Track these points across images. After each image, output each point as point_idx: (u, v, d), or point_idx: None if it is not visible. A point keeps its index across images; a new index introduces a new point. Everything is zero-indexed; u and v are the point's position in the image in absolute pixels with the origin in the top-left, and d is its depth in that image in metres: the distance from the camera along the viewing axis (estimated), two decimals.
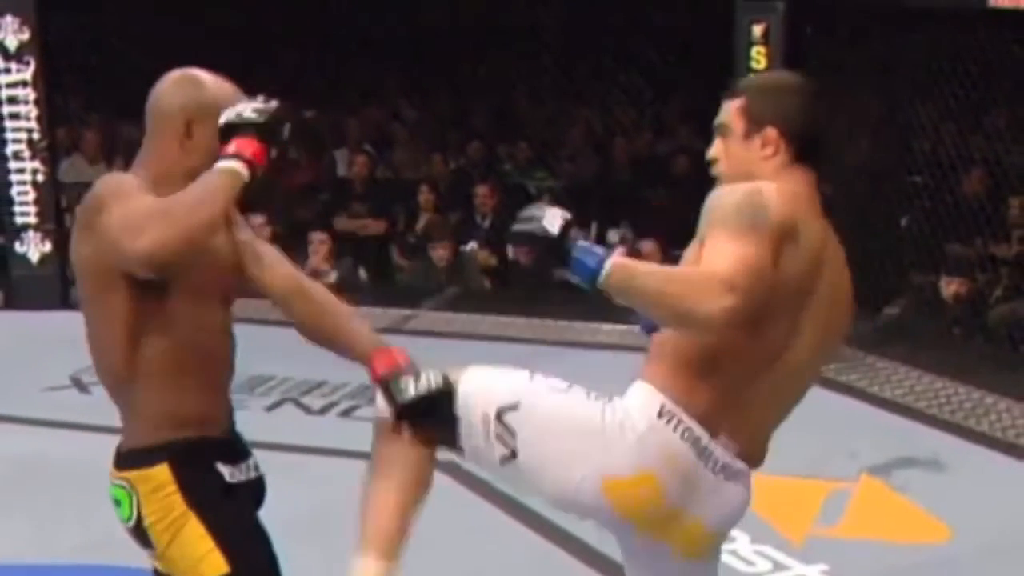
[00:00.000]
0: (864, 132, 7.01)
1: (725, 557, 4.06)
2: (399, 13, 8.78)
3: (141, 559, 2.92)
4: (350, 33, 9.46)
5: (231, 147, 2.33)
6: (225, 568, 2.44)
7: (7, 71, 6.53)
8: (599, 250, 2.12)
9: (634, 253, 7.26)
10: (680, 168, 8.88)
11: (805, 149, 2.28)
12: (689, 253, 2.26)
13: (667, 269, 2.15)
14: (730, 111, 2.31)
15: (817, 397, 6.09)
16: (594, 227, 8.50)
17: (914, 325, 6.15)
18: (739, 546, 4.13)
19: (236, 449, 2.57)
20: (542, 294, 7.07)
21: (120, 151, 8.69)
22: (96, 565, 3.94)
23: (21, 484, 4.61)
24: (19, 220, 7.00)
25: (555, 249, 2.13)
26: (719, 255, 2.08)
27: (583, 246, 2.13)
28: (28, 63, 6.58)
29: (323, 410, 5.42)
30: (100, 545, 3.85)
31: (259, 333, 6.36)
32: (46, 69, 6.64)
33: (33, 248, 7.01)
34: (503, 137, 9.81)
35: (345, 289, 7.29)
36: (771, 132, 2.27)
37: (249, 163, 2.32)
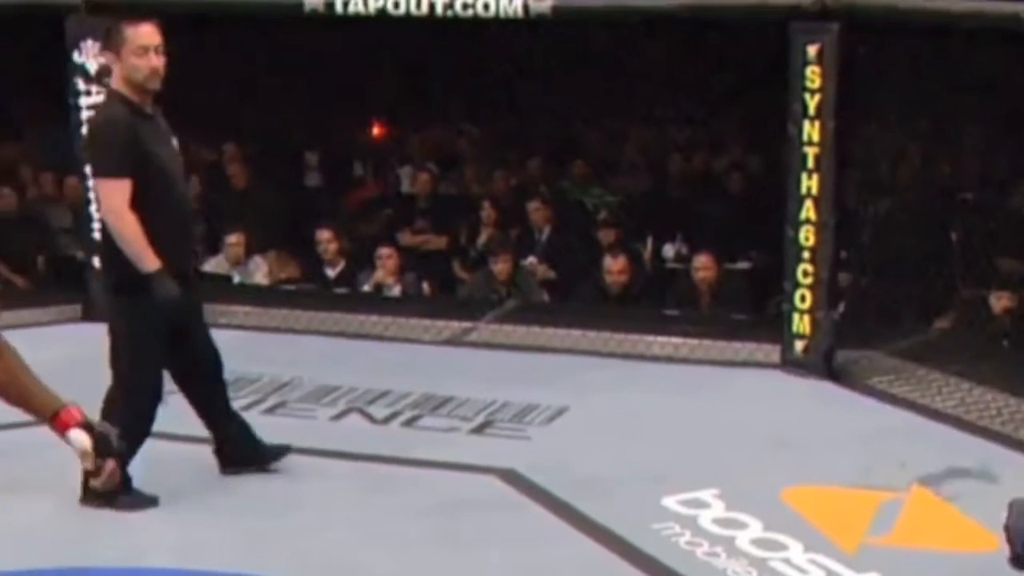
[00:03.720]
0: (916, 149, 7.09)
1: (778, 565, 4.07)
2: (463, 38, 8.96)
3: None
4: (414, 56, 9.64)
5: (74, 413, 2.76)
6: None
7: (88, 93, 6.63)
8: None
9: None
10: (734, 184, 9.00)
11: None
12: None
13: None
14: None
15: (868, 408, 6.14)
16: (649, 241, 8.63)
17: (964, 338, 6.19)
18: (792, 555, 4.14)
19: None
20: (598, 307, 7.20)
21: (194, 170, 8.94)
22: (171, 569, 4.07)
23: None
24: (97, 236, 7.15)
25: None
26: None
27: None
28: (107, 85, 6.75)
29: (387, 419, 5.49)
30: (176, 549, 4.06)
31: (328, 345, 6.57)
32: None
33: None
34: (562, 155, 9.96)
35: (408, 302, 7.48)
36: None
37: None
